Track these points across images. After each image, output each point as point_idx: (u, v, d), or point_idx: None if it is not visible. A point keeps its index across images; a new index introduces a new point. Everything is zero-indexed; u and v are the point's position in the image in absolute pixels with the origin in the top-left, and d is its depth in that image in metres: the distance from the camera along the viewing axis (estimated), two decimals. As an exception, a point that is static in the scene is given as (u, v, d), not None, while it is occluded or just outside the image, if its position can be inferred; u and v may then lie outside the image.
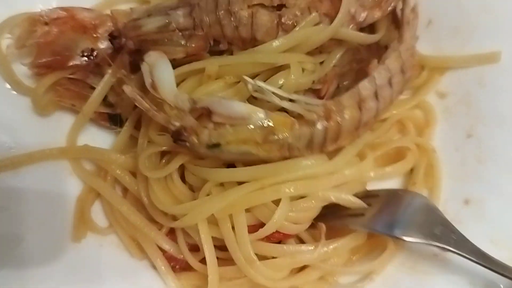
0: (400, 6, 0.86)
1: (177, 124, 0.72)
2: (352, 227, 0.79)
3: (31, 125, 0.85)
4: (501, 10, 0.86)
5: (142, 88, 0.76)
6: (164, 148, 0.79)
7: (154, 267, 0.82)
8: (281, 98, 0.73)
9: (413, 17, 0.86)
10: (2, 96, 0.83)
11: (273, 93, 0.73)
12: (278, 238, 0.79)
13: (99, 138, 0.90)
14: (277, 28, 0.79)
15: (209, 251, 0.76)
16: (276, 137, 0.73)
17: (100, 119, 0.88)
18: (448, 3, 0.90)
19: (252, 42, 0.79)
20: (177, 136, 0.72)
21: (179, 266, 0.82)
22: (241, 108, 0.72)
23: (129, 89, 0.73)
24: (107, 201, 0.85)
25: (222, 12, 0.79)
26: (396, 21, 0.88)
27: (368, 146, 0.84)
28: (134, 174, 0.85)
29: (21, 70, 0.84)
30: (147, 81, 0.74)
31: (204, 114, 0.73)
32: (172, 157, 0.80)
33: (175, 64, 0.78)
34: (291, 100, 0.74)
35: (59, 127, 0.87)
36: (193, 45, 0.80)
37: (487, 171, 0.84)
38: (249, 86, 0.73)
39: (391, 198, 0.81)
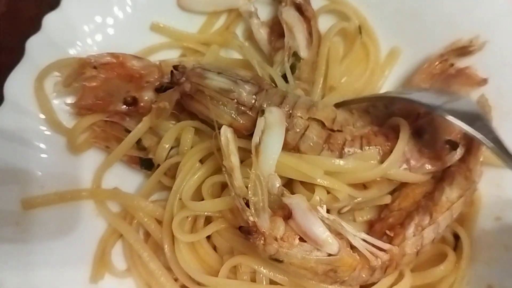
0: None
1: (251, 220, 0.68)
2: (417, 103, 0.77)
3: (63, 163, 0.85)
4: None
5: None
6: (204, 212, 0.80)
7: None
8: (354, 235, 0.72)
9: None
10: (37, 134, 0.84)
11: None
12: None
13: (128, 178, 0.90)
14: (323, 144, 0.79)
15: None
16: (336, 274, 0.72)
17: (132, 162, 0.88)
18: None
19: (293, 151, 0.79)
20: (246, 233, 0.69)
21: None
22: (321, 233, 0.70)
23: (228, 160, 0.71)
24: (129, 245, 0.84)
25: (283, 110, 0.78)
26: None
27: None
28: (159, 221, 0.84)
29: (62, 106, 0.85)
30: (254, 139, 0.72)
31: (284, 212, 0.71)
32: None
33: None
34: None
35: (89, 166, 0.87)
36: (240, 123, 0.79)
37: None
38: (324, 215, 0.71)
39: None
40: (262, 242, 0.69)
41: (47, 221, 0.81)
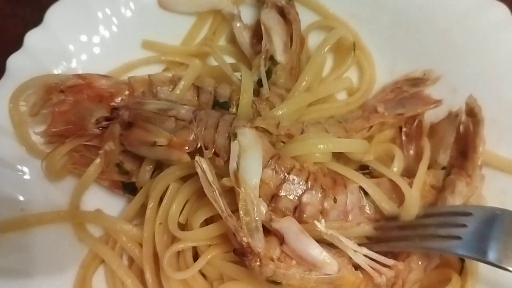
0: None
1: (245, 240, 0.65)
2: (448, 252, 0.69)
3: (43, 187, 0.82)
4: None
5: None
6: (194, 244, 0.75)
7: None
8: (355, 251, 0.67)
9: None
10: (17, 158, 0.80)
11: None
12: None
13: (110, 203, 0.86)
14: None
15: None
16: None
17: (114, 187, 0.84)
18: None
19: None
20: (240, 255, 0.66)
21: None
22: (317, 253, 0.66)
23: (210, 190, 0.66)
24: (111, 271, 0.80)
25: (223, 121, 0.75)
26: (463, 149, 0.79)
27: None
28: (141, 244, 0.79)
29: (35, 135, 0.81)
30: (232, 165, 0.68)
31: (276, 236, 0.67)
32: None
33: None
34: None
35: (70, 190, 0.83)
36: (180, 138, 0.74)
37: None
38: (322, 230, 0.66)
39: (488, 218, 0.68)
40: (258, 263, 0.66)
41: (26, 246, 0.78)
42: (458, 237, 0.66)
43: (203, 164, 0.66)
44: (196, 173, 0.74)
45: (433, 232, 0.69)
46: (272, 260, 0.66)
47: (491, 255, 0.63)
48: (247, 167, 0.67)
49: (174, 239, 0.77)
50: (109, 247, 0.82)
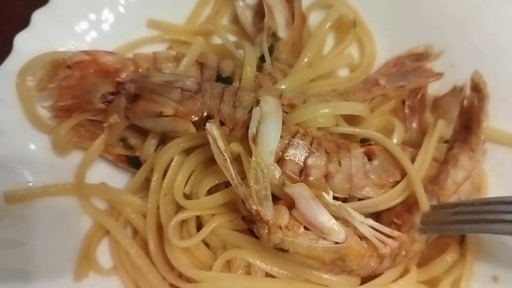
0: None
1: (254, 208, 0.66)
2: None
3: (49, 161, 0.83)
4: None
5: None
6: (198, 213, 0.76)
7: None
8: (361, 222, 0.69)
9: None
10: (23, 132, 0.82)
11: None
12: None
13: (115, 177, 0.87)
14: None
15: None
16: (343, 263, 0.69)
17: (119, 161, 0.85)
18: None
19: (242, 130, 0.73)
20: (249, 222, 0.67)
21: None
22: (326, 220, 0.67)
23: (221, 157, 0.67)
24: (115, 242, 0.82)
25: (228, 91, 0.76)
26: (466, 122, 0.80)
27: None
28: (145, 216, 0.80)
29: (41, 110, 0.83)
30: (251, 130, 0.69)
31: (286, 201, 0.68)
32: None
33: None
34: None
35: (76, 163, 0.85)
36: (186, 107, 0.75)
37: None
38: (330, 201, 0.69)
39: None
40: (266, 231, 0.67)
41: (31, 218, 0.79)
42: None
43: (214, 131, 0.67)
44: (201, 145, 0.77)
45: (499, 217, 0.68)
46: (280, 228, 0.66)
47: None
48: (266, 133, 0.69)
49: (177, 210, 0.78)
50: (113, 218, 0.83)
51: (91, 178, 0.85)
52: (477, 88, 0.78)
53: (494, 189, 0.80)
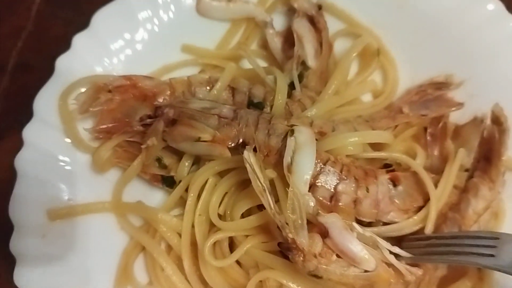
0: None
1: (291, 237, 0.70)
2: (484, 267, 0.75)
3: (88, 180, 0.87)
4: None
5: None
6: (233, 234, 0.80)
7: None
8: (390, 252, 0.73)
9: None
10: (64, 151, 0.87)
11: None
12: None
13: (150, 195, 0.91)
14: None
15: None
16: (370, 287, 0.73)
17: (154, 180, 0.89)
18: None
19: (275, 157, 0.78)
20: (286, 250, 0.71)
21: None
22: (358, 250, 0.71)
23: (258, 185, 0.71)
24: (151, 258, 0.85)
25: (263, 119, 0.81)
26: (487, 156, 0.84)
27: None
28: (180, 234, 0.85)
29: (82, 131, 0.87)
30: (286, 160, 0.73)
31: (320, 229, 0.72)
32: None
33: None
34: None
35: (113, 181, 0.89)
36: (223, 134, 0.80)
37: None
38: (360, 231, 0.73)
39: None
40: (301, 258, 0.70)
41: (72, 234, 0.83)
42: (491, 255, 0.71)
43: (251, 159, 0.71)
44: (234, 168, 0.82)
45: (467, 250, 0.73)
46: (314, 256, 0.70)
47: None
48: (301, 163, 0.73)
49: (210, 230, 0.83)
50: (149, 235, 0.87)
51: (127, 196, 0.89)
52: (498, 121, 0.81)
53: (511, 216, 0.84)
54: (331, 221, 0.71)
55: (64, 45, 0.92)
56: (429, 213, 0.79)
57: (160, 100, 0.88)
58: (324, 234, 0.72)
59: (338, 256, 0.72)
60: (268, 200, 0.71)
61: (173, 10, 0.97)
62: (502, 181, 0.82)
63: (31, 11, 1.12)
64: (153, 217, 0.86)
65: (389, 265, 0.73)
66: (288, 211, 0.70)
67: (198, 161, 0.87)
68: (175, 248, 0.85)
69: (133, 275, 0.86)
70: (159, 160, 0.88)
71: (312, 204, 0.73)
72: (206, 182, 0.84)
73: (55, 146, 0.86)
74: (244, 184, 0.83)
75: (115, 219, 0.88)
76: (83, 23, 0.93)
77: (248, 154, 0.72)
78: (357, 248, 0.71)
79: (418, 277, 0.75)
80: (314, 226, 0.73)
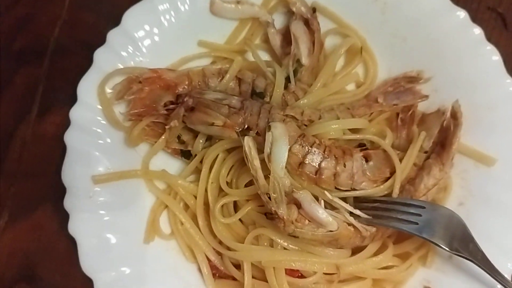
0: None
1: (273, 210, 0.86)
2: (407, 232, 0.90)
3: (122, 152, 1.02)
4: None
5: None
6: (237, 199, 0.98)
7: (200, 270, 0.99)
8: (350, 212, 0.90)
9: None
10: (104, 130, 1.01)
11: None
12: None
13: (171, 164, 1.07)
14: (297, 138, 0.95)
15: (247, 278, 0.94)
16: (337, 242, 0.90)
17: (175, 153, 1.05)
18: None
19: None
20: (270, 219, 0.88)
21: (218, 274, 0.99)
22: (323, 216, 0.87)
23: (252, 167, 0.88)
24: (173, 214, 1.01)
25: (264, 109, 0.96)
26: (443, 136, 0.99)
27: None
28: (195, 196, 1.02)
29: (118, 114, 1.02)
30: (266, 151, 0.88)
31: (295, 202, 0.88)
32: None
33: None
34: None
35: (142, 154, 1.05)
36: (232, 121, 0.95)
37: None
38: (330, 197, 0.90)
39: (436, 212, 0.91)
40: (282, 224, 0.87)
41: (111, 196, 0.99)
42: (416, 222, 0.89)
43: (250, 143, 0.88)
44: (239, 146, 0.94)
45: (399, 216, 0.91)
46: (292, 222, 0.87)
47: (436, 239, 0.87)
48: (277, 153, 0.88)
49: (219, 194, 1.00)
50: (172, 197, 1.03)
51: (154, 165, 1.04)
52: (455, 115, 0.96)
53: (457, 190, 1.00)
54: (302, 196, 0.87)
55: (96, 32, 1.07)
56: (395, 182, 0.95)
57: (181, 89, 1.03)
58: (298, 205, 0.87)
59: (309, 221, 0.88)
60: (258, 180, 0.87)
61: (187, 9, 1.09)
62: (450, 164, 0.97)
63: (65, 1, 1.22)
64: (174, 183, 1.02)
65: (350, 224, 0.89)
66: (271, 191, 0.86)
67: (210, 138, 1.01)
68: (191, 207, 1.01)
69: (159, 227, 1.01)
70: (179, 137, 1.03)
71: (288, 183, 0.89)
72: (217, 156, 0.99)
73: (96, 125, 1.00)
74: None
75: (144, 184, 1.03)
76: (113, 12, 1.05)
77: (247, 139, 0.87)
78: (322, 215, 0.87)
79: (372, 233, 0.91)
80: (291, 200, 0.89)
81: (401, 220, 0.90)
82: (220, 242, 0.98)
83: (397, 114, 1.05)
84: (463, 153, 1.01)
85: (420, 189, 0.95)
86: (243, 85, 1.05)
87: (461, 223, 0.89)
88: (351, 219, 0.89)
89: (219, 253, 0.99)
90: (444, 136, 0.98)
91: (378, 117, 1.06)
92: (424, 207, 0.91)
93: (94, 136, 1.00)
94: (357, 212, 0.90)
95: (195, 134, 1.02)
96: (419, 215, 0.90)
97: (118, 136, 1.03)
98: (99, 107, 1.01)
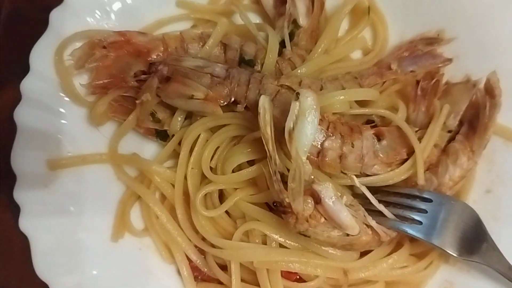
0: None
1: (287, 201, 0.74)
2: (410, 234, 0.81)
3: (85, 133, 0.92)
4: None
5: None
6: (224, 187, 0.86)
7: (179, 273, 0.90)
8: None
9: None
10: (62, 106, 0.90)
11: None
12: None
13: (144, 147, 0.96)
14: None
15: (235, 281, 0.84)
16: (351, 247, 0.80)
17: (148, 134, 0.94)
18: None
19: None
20: (280, 210, 0.76)
21: (201, 277, 0.90)
22: (347, 219, 0.76)
23: (266, 132, 0.74)
24: (146, 206, 0.92)
25: (254, 79, 0.85)
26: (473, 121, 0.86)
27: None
28: (173, 184, 0.91)
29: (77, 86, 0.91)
30: (288, 124, 0.73)
31: (313, 195, 0.76)
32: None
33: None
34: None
35: (108, 134, 0.94)
36: (215, 92, 0.84)
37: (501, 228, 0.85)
38: (357, 183, 0.79)
39: (444, 207, 0.82)
40: (294, 220, 0.76)
41: (72, 185, 0.88)
42: (419, 222, 0.81)
43: (266, 104, 0.74)
44: (226, 125, 0.87)
45: (400, 212, 0.82)
46: (306, 220, 0.76)
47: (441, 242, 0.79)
48: (304, 130, 0.73)
49: (202, 182, 0.89)
50: (145, 186, 0.92)
51: (123, 149, 0.94)
52: (492, 93, 0.83)
53: (483, 175, 0.90)
54: (324, 190, 0.75)
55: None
56: (417, 165, 0.83)
57: (154, 56, 0.92)
58: (317, 200, 0.76)
59: (325, 219, 0.77)
60: (271, 155, 0.74)
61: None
62: (481, 153, 0.85)
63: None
64: (148, 169, 0.92)
65: (368, 226, 0.79)
66: (290, 179, 0.73)
67: (190, 116, 0.92)
68: (168, 197, 0.92)
69: (129, 222, 0.92)
70: (153, 114, 0.93)
71: (309, 171, 0.77)
72: (198, 137, 0.89)
73: (53, 100, 0.89)
74: (235, 140, 0.89)
75: (112, 171, 0.93)
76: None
77: (264, 99, 0.74)
78: (345, 217, 0.76)
79: (392, 238, 0.82)
80: (307, 192, 0.77)
81: (402, 217, 0.81)
82: (203, 239, 0.88)
83: (417, 83, 0.92)
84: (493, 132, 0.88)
85: (445, 182, 0.84)
86: (229, 52, 0.94)
87: (475, 218, 0.81)
88: (373, 223, 0.79)
89: (201, 252, 0.90)
90: (474, 115, 0.86)
91: (389, 88, 0.95)
92: (431, 201, 0.81)
93: (50, 113, 0.90)
94: (383, 209, 0.80)
95: (173, 111, 0.93)
96: (424, 211, 0.81)
97: (79, 113, 0.92)
98: (56, 78, 0.90)
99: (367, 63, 0.97)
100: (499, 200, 0.88)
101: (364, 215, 0.79)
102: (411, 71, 0.93)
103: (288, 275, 0.84)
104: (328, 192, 0.75)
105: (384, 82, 0.93)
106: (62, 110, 0.91)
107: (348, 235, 0.78)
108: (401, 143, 0.86)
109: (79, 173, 0.90)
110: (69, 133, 0.91)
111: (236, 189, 0.87)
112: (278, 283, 0.82)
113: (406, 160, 0.85)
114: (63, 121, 0.91)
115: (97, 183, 0.92)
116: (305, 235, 0.78)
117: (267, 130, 0.74)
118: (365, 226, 0.79)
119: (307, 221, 0.76)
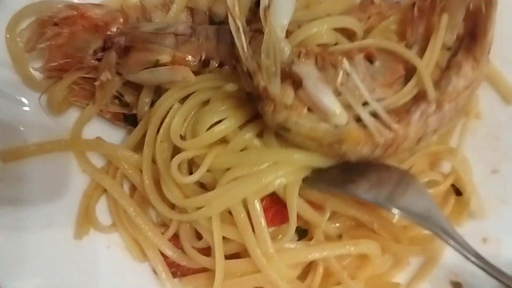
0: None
1: (262, 84, 0.68)
2: (351, 194, 0.77)
3: (45, 121, 0.85)
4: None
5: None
6: (197, 153, 0.77)
7: (154, 271, 0.83)
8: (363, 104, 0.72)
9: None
10: (17, 91, 0.84)
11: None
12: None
13: (112, 135, 0.89)
14: None
15: (218, 249, 0.76)
16: (340, 147, 0.72)
17: (116, 119, 0.87)
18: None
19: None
20: (255, 98, 0.70)
21: (180, 272, 0.83)
22: (331, 102, 0.70)
23: (234, 25, 0.68)
24: (113, 200, 0.84)
25: (223, 30, 0.78)
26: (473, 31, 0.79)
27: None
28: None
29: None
30: (263, 2, 0.69)
31: (293, 80, 0.70)
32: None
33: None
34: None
35: (72, 120, 0.87)
36: (183, 51, 0.77)
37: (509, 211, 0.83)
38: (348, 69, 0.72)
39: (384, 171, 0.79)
40: (272, 108, 0.69)
41: (31, 178, 0.82)
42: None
43: None
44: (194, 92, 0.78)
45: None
46: (285, 107, 0.69)
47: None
48: (279, 5, 0.69)
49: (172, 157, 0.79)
50: (110, 176, 0.85)
51: (87, 135, 0.88)
52: None
53: (488, 153, 0.86)
54: (306, 70, 0.69)
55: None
56: (423, 79, 0.75)
57: (114, 29, 0.85)
58: (298, 84, 0.70)
59: (309, 110, 0.71)
60: (241, 41, 0.68)
61: None
62: (486, 60, 0.78)
63: None
64: (113, 154, 0.85)
65: (361, 125, 0.72)
66: (263, 55, 0.67)
67: (159, 95, 0.83)
68: (137, 185, 0.84)
69: (95, 218, 0.85)
70: (119, 98, 0.86)
71: (287, 50, 0.70)
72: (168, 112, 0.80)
73: (7, 85, 0.83)
74: (206, 104, 0.79)
75: (76, 161, 0.86)
76: None
77: None
78: (331, 101, 0.69)
79: (387, 140, 0.73)
80: (287, 77, 0.70)
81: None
82: (173, 207, 0.80)
83: (413, 4, 0.85)
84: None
85: (448, 92, 0.76)
86: (197, 16, 0.88)
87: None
88: (365, 114, 0.71)
89: (176, 245, 0.83)
90: (472, 24, 0.79)
91: (380, 24, 0.85)
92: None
93: (6, 99, 0.84)
94: (374, 104, 0.72)
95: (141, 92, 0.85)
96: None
97: (36, 98, 0.85)
98: (8, 59, 0.84)
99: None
100: (506, 181, 0.85)
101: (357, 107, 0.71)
102: (396, 3, 0.85)
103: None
104: (311, 73, 0.70)
105: (369, 18, 0.84)
106: (16, 95, 0.84)
107: (336, 127, 0.71)
108: (394, 60, 0.79)
109: (38, 164, 0.83)
110: (27, 122, 0.85)
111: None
112: (259, 218, 0.75)
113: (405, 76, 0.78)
114: (17, 108, 0.84)
115: (57, 175, 0.85)
116: (285, 129, 0.71)
117: (233, 22, 0.69)
118: (355, 122, 0.72)
119: (286, 108, 0.69)
